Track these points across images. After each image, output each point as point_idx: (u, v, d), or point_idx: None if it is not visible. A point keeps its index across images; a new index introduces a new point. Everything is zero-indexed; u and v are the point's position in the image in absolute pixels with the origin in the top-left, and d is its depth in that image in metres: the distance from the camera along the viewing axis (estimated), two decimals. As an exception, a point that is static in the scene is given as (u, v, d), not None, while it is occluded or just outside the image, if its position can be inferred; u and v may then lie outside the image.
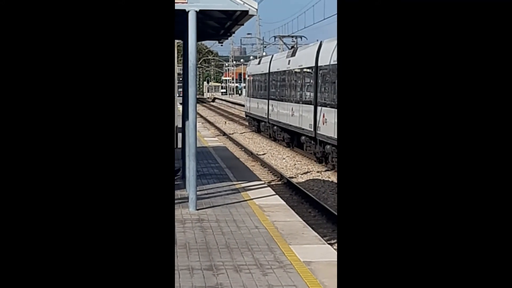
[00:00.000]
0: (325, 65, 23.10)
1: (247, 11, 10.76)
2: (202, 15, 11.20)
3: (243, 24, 12.69)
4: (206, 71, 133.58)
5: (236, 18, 12.05)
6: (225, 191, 12.80)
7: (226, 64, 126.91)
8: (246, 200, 11.75)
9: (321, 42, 24.96)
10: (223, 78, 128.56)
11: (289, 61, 29.56)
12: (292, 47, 33.94)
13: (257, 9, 10.64)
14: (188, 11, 10.61)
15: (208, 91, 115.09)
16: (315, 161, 24.76)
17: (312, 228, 10.23)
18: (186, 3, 10.57)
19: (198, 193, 11.22)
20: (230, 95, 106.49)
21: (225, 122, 48.48)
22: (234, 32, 14.55)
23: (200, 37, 12.44)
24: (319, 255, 8.05)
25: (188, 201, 11.02)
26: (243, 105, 53.21)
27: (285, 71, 30.31)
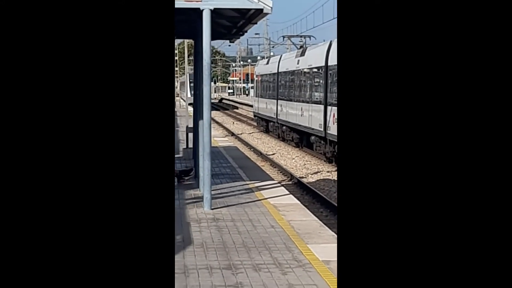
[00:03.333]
0: (335, 65, 23.02)
1: (261, 9, 10.71)
2: (214, 14, 11.15)
3: (256, 23, 12.64)
4: (213, 71, 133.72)
5: (250, 16, 11.99)
6: (239, 190, 12.76)
7: (233, 65, 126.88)
8: (260, 200, 11.70)
9: (331, 41, 24.89)
10: (230, 78, 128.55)
11: (298, 60, 29.49)
12: (301, 46, 33.87)
13: (271, 7, 10.59)
14: (203, 9, 10.56)
15: (215, 92, 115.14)
16: (324, 161, 24.69)
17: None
18: (201, 1, 10.51)
19: (212, 192, 11.17)
20: (238, 96, 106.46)
21: (233, 123, 48.44)
22: (246, 31, 14.49)
23: (211, 36, 12.41)
24: (338, 254, 7.98)
25: (202, 201, 10.98)
26: (250, 105, 53.18)
27: (294, 71, 30.24)
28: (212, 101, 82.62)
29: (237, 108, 65.87)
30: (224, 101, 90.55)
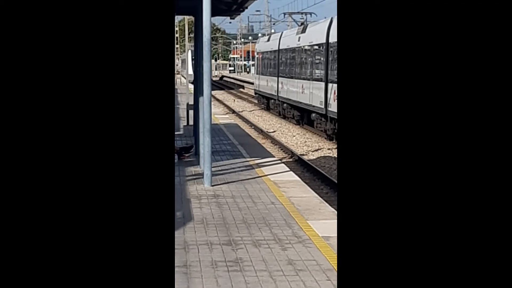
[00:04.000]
0: (336, 42, 22.94)
1: (262, -14, 10.65)
2: (215, -11, 11.10)
3: (256, -1, 12.57)
4: (214, 49, 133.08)
5: (250, -8, 11.94)
6: (239, 167, 12.78)
7: (234, 42, 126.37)
8: (260, 176, 11.72)
9: (331, 18, 24.79)
10: (231, 56, 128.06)
11: (299, 38, 29.39)
12: (302, 23, 33.74)
13: (272, -17, 10.53)
14: (203, -15, 10.50)
15: (216, 69, 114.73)
16: (325, 138, 24.70)
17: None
18: (200, -23, 10.46)
19: (213, 169, 11.18)
20: (238, 73, 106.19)
21: (234, 100, 48.39)
22: (247, 7, 14.43)
23: (212, 12, 12.36)
24: (337, 230, 8.00)
25: (202, 177, 10.99)
26: (251, 83, 53.08)
27: (295, 48, 30.14)
28: (213, 79, 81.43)
29: (243, 87, 65.61)
30: (225, 78, 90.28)
